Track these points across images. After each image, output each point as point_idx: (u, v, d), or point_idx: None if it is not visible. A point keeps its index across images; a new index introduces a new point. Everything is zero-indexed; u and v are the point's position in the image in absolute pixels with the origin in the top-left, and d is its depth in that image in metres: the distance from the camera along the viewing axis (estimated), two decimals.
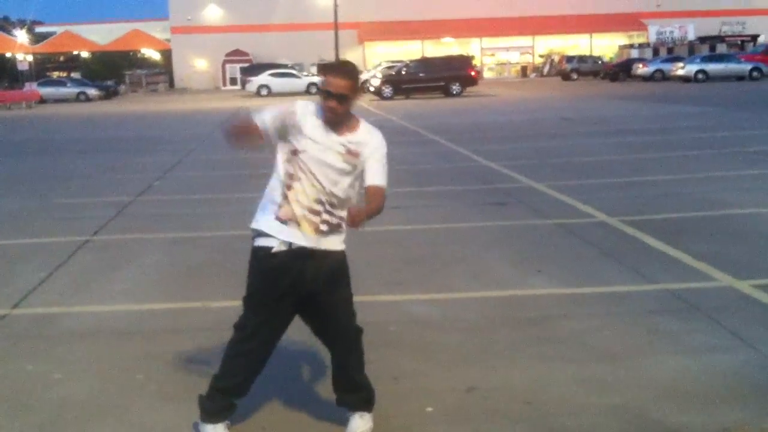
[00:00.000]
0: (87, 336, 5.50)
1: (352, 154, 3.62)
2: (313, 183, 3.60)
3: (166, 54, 74.94)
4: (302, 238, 3.61)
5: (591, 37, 69.98)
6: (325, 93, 3.55)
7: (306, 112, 3.65)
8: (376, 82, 42.47)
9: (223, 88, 66.32)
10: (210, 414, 3.80)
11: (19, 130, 27.64)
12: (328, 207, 3.63)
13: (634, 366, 4.62)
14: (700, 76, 44.58)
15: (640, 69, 50.98)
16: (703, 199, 9.66)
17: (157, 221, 9.53)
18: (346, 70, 3.61)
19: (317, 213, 3.61)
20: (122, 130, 25.67)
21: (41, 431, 4.04)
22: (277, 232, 3.62)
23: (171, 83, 71.57)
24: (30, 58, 62.08)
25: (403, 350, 4.99)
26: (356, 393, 3.89)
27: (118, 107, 43.24)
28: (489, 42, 69.82)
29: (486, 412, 4.08)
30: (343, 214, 3.64)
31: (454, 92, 40.21)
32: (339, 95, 3.53)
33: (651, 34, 65.06)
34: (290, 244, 3.61)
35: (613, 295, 6.04)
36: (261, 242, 3.66)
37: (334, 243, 3.71)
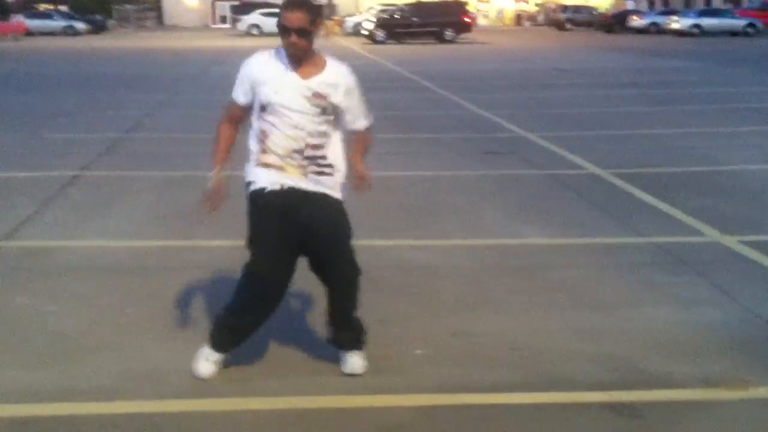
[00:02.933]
0: (80, 270, 5.52)
1: (320, 97, 3.58)
2: (285, 134, 3.60)
3: None
4: (291, 179, 3.63)
5: None
6: (282, 29, 3.51)
7: (263, 63, 3.65)
8: (369, 26, 42.02)
9: (212, 26, 65.49)
10: (217, 343, 3.88)
11: (6, 64, 27.24)
12: (308, 153, 3.61)
13: (622, 316, 4.70)
14: (694, 30, 44.36)
15: (635, 21, 50.66)
16: (694, 155, 9.70)
17: (147, 159, 9.50)
18: (302, 2, 3.53)
19: (298, 161, 3.61)
20: (111, 66, 25.36)
21: (35, 364, 4.06)
22: (265, 177, 3.65)
23: (160, 19, 70.52)
24: None
25: (393, 295, 5.03)
26: (350, 331, 3.95)
27: (107, 42, 42.61)
28: None
29: (475, 357, 4.14)
30: (329, 152, 3.65)
31: (448, 38, 39.89)
32: (298, 29, 3.47)
33: None
34: (281, 184, 3.63)
35: (602, 247, 6.10)
36: (253, 187, 3.68)
37: (329, 188, 3.71)
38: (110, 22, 64.09)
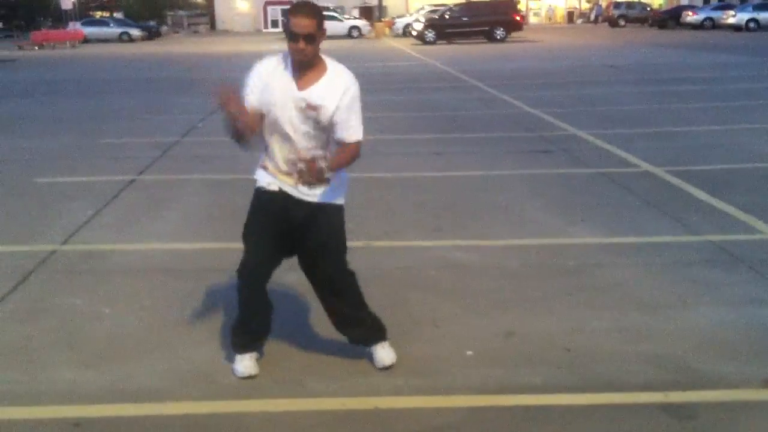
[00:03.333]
0: (134, 272, 5.64)
1: (311, 108, 3.57)
2: (281, 144, 3.67)
3: None
4: (286, 185, 3.72)
5: None
6: (291, 34, 3.50)
7: (270, 70, 3.65)
8: (418, 26, 42.03)
9: (264, 30, 66.08)
10: (237, 346, 3.99)
11: (65, 70, 27.91)
12: (303, 163, 3.54)
13: (674, 316, 4.62)
14: (751, 24, 43.31)
15: (690, 16, 49.69)
16: (749, 151, 9.49)
17: (201, 162, 9.63)
18: (308, 8, 3.53)
19: (293, 169, 3.59)
20: (165, 71, 25.79)
21: (88, 365, 4.16)
22: (264, 178, 3.77)
23: (212, 25, 71.48)
24: None
25: (442, 295, 5.03)
26: (358, 327, 4.01)
27: (161, 48, 43.36)
28: None
29: (524, 357, 4.12)
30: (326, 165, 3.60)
31: (498, 37, 39.66)
32: (306, 35, 3.47)
33: None
34: (279, 187, 3.73)
35: (654, 245, 6.00)
36: (256, 185, 3.81)
37: (327, 195, 3.73)
38: (163, 28, 65.19)
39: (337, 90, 3.59)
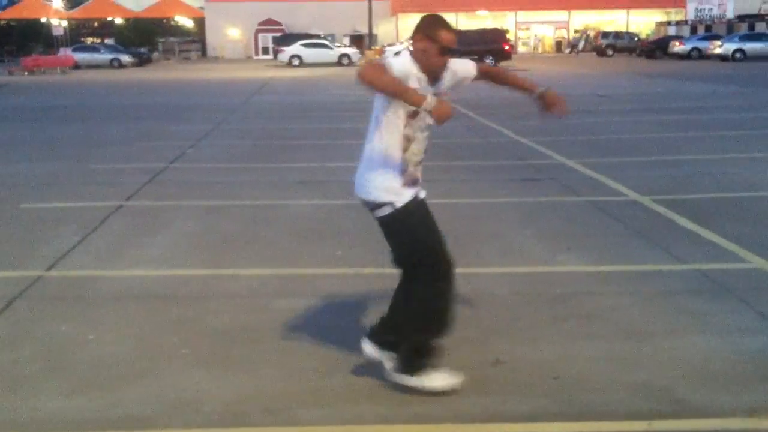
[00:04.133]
0: (121, 299, 5.61)
1: (445, 94, 3.71)
2: (420, 143, 3.80)
3: (200, 22, 75.10)
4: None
5: (628, 13, 69.05)
6: (444, 49, 3.57)
7: (413, 70, 3.62)
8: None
9: (255, 57, 66.43)
10: (426, 365, 3.96)
11: (55, 96, 27.92)
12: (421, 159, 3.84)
13: (661, 345, 4.62)
14: (738, 55, 43.87)
15: (677, 46, 50.23)
16: (736, 180, 9.56)
17: (190, 189, 9.63)
18: (450, 25, 3.65)
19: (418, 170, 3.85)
20: (155, 98, 25.84)
21: (75, 392, 4.12)
22: (406, 196, 3.80)
23: (203, 51, 71.78)
24: (65, 23, 62.37)
25: None
26: (386, 331, 3.98)
27: (151, 74, 43.46)
28: (524, 16, 69.12)
29: (513, 385, 4.11)
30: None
31: None
32: (452, 50, 3.60)
33: (689, 12, 64.02)
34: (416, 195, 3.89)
35: (642, 274, 6.02)
36: (398, 202, 3.78)
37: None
38: (154, 55, 65.36)
39: (452, 67, 3.80)
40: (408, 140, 3.73)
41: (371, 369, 4.15)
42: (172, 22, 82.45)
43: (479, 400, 3.96)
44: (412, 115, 3.66)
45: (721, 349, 4.55)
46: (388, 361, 4.00)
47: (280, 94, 25.17)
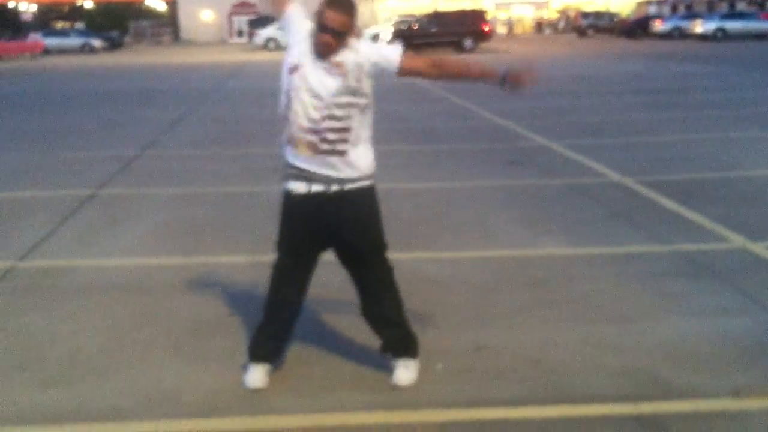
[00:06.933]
0: (94, 290, 5.48)
1: (337, 65, 3.53)
2: (304, 107, 3.56)
3: (172, 5, 74.17)
4: (304, 161, 3.60)
5: None
6: (321, 26, 3.47)
7: (303, 27, 3.64)
8: (386, 37, 42.02)
9: (229, 40, 65.82)
10: (253, 355, 3.91)
11: (24, 82, 27.52)
12: (325, 135, 3.54)
13: (644, 327, 4.58)
14: (718, 34, 43.86)
15: (658, 26, 50.14)
16: (717, 161, 9.56)
17: (164, 176, 9.48)
18: (346, 5, 3.50)
19: (312, 139, 3.57)
20: (127, 83, 25.51)
21: (49, 384, 4.02)
22: (292, 159, 3.64)
23: (176, 35, 70.97)
24: (33, 8, 61.33)
25: (411, 309, 4.92)
26: (393, 328, 3.92)
27: (123, 59, 42.96)
28: None
29: (495, 371, 4.06)
30: (351, 137, 3.57)
31: (467, 48, 39.77)
32: (335, 30, 3.45)
33: None
34: (309, 189, 3.61)
35: (624, 256, 5.98)
36: (286, 185, 3.69)
37: (350, 171, 3.63)
38: (126, 39, 64.53)
39: (357, 48, 3.60)
40: (287, 94, 3.61)
41: (351, 356, 4.13)
42: (143, 6, 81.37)
43: (461, 386, 3.90)
44: (293, 69, 3.58)
45: (704, 330, 4.52)
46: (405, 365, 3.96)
47: (255, 78, 24.91)
